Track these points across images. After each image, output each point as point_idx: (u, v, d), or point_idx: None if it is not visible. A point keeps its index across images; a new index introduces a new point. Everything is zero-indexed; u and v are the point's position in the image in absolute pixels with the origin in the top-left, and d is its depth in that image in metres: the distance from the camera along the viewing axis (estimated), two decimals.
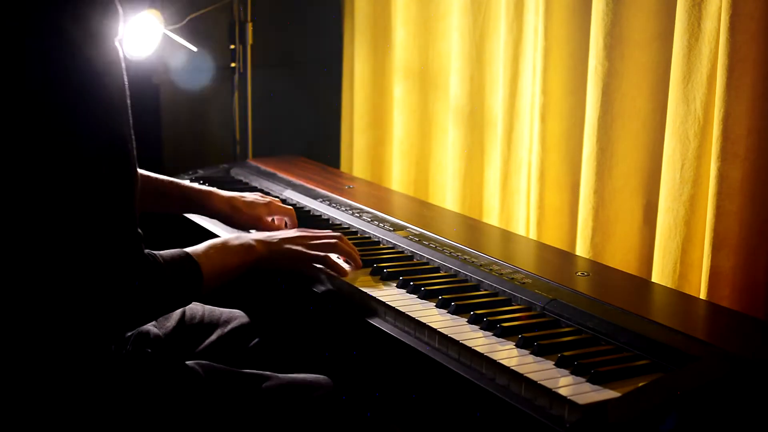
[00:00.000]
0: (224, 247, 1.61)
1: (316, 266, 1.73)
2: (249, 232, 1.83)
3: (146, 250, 1.43)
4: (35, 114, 1.28)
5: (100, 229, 1.34)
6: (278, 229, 1.95)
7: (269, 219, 1.95)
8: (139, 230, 1.41)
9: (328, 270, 1.71)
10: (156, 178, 1.90)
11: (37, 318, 1.37)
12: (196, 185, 1.96)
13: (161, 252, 1.48)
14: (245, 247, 1.63)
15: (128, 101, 1.39)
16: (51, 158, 1.30)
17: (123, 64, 1.38)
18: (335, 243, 1.72)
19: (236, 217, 1.92)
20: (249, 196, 1.97)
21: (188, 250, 1.53)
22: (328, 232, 1.76)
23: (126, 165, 1.37)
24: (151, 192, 1.86)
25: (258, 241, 1.66)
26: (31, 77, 1.28)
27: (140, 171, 1.86)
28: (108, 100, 1.33)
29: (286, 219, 1.97)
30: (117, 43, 1.37)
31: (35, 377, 1.39)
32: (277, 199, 2.02)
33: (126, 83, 1.39)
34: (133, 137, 1.39)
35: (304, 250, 1.69)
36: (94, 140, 1.32)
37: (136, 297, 1.39)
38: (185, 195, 1.91)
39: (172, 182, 1.92)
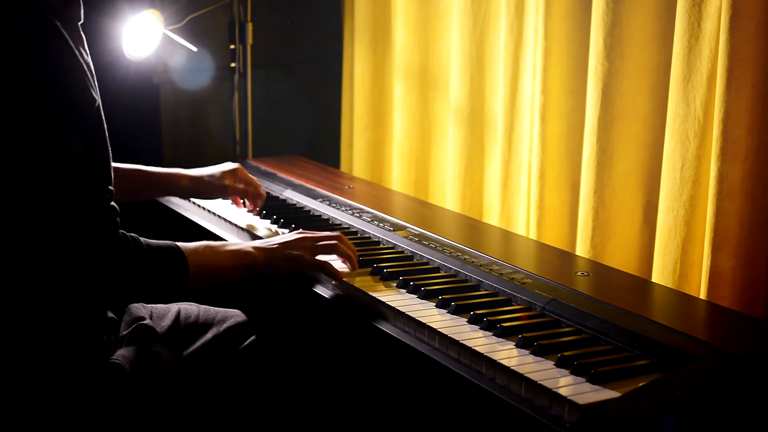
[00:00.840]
0: (219, 247, 1.63)
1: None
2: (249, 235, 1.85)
3: (130, 234, 1.46)
4: None
5: (65, 194, 1.37)
6: (245, 194, 2.10)
7: (239, 186, 2.09)
8: (114, 204, 1.44)
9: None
10: (123, 168, 1.93)
11: (12, 297, 1.39)
12: (161, 170, 2.03)
13: (149, 239, 1.50)
14: (241, 252, 1.65)
15: (89, 74, 1.43)
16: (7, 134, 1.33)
17: (76, 42, 1.42)
18: (335, 245, 1.72)
19: (202, 190, 2.06)
20: (216, 168, 2.09)
21: (180, 244, 1.56)
22: (328, 233, 1.76)
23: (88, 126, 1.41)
24: (119, 181, 1.90)
25: (256, 247, 1.67)
26: None
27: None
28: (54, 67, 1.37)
29: (249, 189, 2.10)
30: (79, 28, 1.46)
31: (18, 369, 1.40)
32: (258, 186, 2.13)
33: (83, 57, 1.43)
34: (98, 103, 1.44)
35: (305, 255, 1.69)
36: (50, 106, 1.36)
37: (109, 268, 1.42)
38: (152, 180, 1.99)
39: (138, 170, 1.98)
